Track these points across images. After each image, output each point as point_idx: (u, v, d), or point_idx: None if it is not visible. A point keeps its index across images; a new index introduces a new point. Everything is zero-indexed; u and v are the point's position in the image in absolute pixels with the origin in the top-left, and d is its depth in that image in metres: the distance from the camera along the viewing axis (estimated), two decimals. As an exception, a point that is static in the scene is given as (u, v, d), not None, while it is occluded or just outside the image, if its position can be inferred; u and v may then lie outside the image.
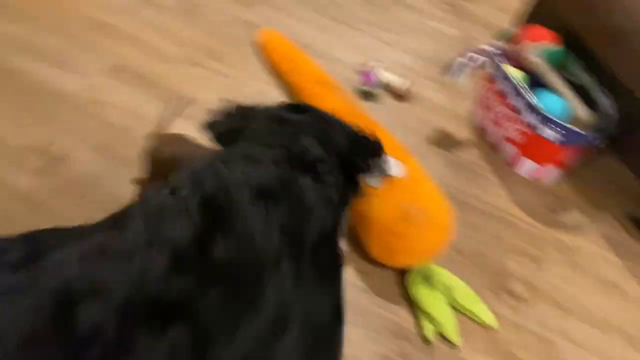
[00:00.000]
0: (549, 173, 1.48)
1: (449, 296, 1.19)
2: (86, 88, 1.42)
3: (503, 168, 1.52)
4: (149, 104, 1.42)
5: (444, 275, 1.21)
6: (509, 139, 1.48)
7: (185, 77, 1.52)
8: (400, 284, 1.22)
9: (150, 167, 1.06)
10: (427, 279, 1.19)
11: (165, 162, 1.05)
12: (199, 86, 1.50)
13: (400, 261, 1.20)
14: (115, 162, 1.27)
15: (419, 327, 1.16)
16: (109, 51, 1.53)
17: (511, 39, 1.51)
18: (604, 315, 1.27)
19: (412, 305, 1.18)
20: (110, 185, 1.23)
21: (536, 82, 1.45)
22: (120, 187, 1.22)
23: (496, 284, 1.27)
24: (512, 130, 1.45)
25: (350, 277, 1.21)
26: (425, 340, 1.14)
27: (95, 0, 1.66)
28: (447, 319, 1.16)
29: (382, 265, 1.22)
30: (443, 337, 1.15)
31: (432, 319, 1.15)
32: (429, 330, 1.15)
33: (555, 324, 1.24)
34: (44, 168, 1.24)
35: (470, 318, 1.20)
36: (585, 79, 1.43)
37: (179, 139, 1.07)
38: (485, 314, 1.20)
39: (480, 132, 1.60)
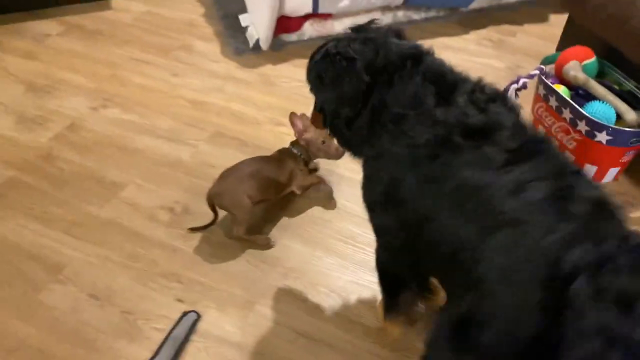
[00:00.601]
0: (610, 174, 1.60)
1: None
2: (195, 155, 1.71)
3: (566, 176, 1.65)
4: (246, 160, 1.69)
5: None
6: (566, 149, 1.62)
7: (272, 135, 1.78)
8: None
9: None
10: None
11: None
12: (284, 140, 1.76)
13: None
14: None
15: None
16: (208, 123, 1.83)
17: (554, 61, 1.69)
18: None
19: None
20: (223, 225, 1.48)
21: (586, 95, 1.61)
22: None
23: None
24: (568, 140, 1.60)
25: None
26: None
27: (189, 84, 1.99)
28: None
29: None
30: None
31: None
32: None
33: None
34: (171, 220, 1.51)
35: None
36: (628, 83, 1.57)
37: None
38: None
39: (540, 148, 1.74)
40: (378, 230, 1.08)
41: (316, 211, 1.55)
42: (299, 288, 1.36)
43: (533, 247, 0.73)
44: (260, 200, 1.43)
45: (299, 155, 1.52)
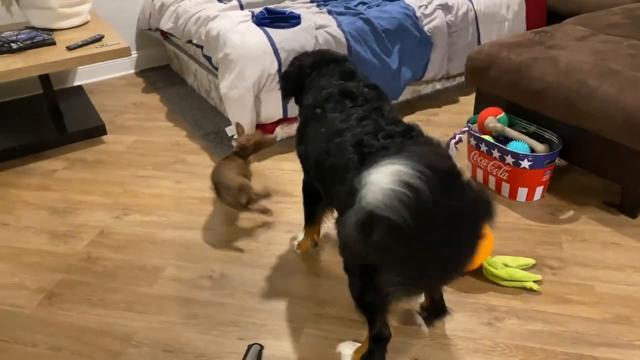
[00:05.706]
0: (538, 192, 2.12)
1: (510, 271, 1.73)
2: (216, 235, 2.05)
3: (508, 201, 2.15)
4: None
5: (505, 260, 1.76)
6: (502, 180, 2.14)
7: (275, 208, 2.16)
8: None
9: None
10: (494, 265, 1.74)
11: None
12: (286, 213, 2.14)
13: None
14: (246, 268, 1.85)
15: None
16: (219, 211, 2.19)
17: (476, 121, 2.27)
18: (616, 261, 1.81)
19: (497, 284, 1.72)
20: (247, 279, 1.80)
21: (503, 139, 2.17)
22: (248, 277, 1.79)
23: (537, 265, 1.82)
24: (501, 173, 2.12)
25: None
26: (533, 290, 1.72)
27: (193, 187, 2.37)
28: (527, 277, 1.73)
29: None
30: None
31: (517, 283, 1.72)
32: (530, 285, 1.72)
33: (586, 275, 1.77)
34: (213, 284, 1.80)
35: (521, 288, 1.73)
36: (531, 127, 2.16)
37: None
38: (531, 283, 1.73)
39: (482, 184, 2.26)
40: (299, 156, 1.69)
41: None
42: (334, 312, 1.68)
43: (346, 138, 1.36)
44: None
45: (233, 153, 2.19)
